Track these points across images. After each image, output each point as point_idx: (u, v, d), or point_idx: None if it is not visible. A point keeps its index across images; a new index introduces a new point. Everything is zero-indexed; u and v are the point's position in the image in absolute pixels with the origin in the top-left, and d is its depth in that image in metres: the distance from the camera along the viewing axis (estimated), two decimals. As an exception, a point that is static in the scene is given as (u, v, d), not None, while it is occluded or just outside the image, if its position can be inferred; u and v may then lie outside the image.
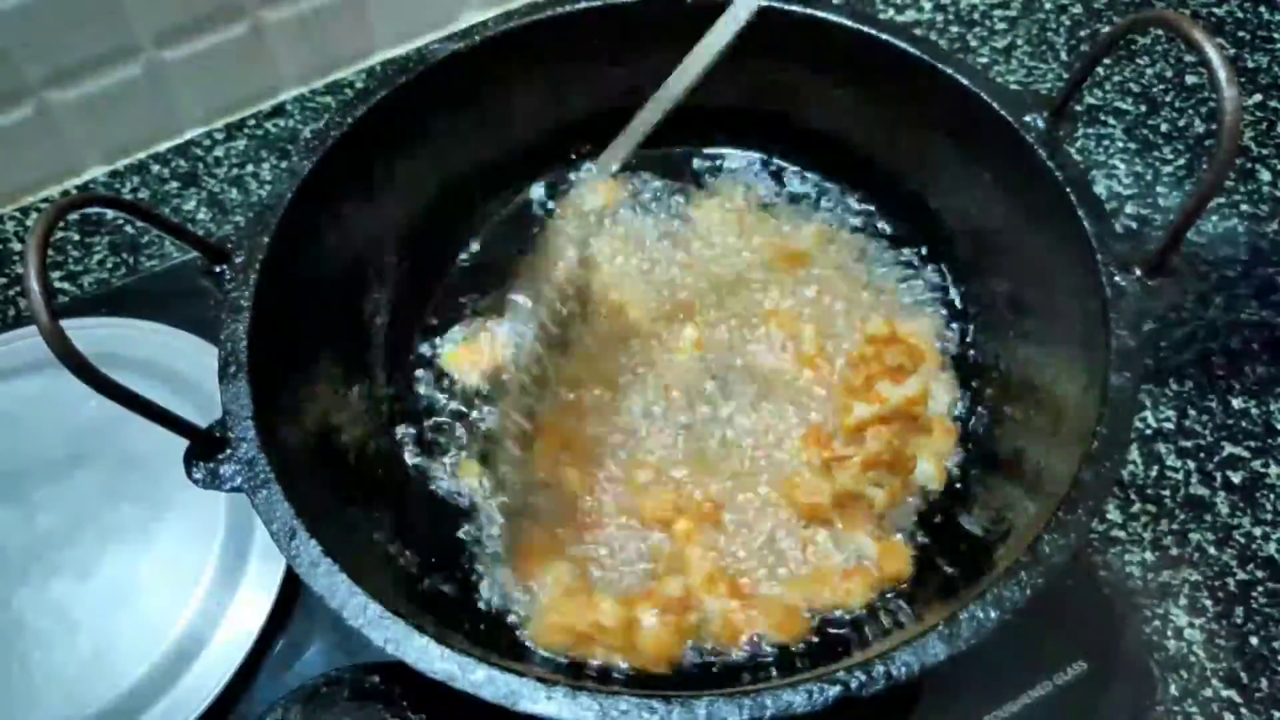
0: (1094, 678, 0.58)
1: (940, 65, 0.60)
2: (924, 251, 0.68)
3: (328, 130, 0.59)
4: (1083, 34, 0.93)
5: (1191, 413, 0.70)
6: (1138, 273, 0.50)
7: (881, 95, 0.65)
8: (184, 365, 0.69)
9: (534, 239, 0.68)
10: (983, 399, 0.62)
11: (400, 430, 0.63)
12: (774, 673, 0.53)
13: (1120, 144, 0.85)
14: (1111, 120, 0.87)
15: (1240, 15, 0.93)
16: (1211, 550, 0.65)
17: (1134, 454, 0.68)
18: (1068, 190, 0.54)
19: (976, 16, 0.95)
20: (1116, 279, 0.51)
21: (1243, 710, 0.59)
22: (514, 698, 0.41)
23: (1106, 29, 0.62)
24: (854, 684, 0.41)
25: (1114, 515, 0.66)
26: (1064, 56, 0.91)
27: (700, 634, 0.54)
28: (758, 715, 0.40)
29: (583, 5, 0.64)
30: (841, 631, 0.54)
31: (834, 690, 0.41)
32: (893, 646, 0.42)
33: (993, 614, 0.42)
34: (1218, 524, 0.66)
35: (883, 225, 0.70)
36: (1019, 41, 0.93)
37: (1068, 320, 0.55)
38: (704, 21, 0.65)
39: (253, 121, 0.88)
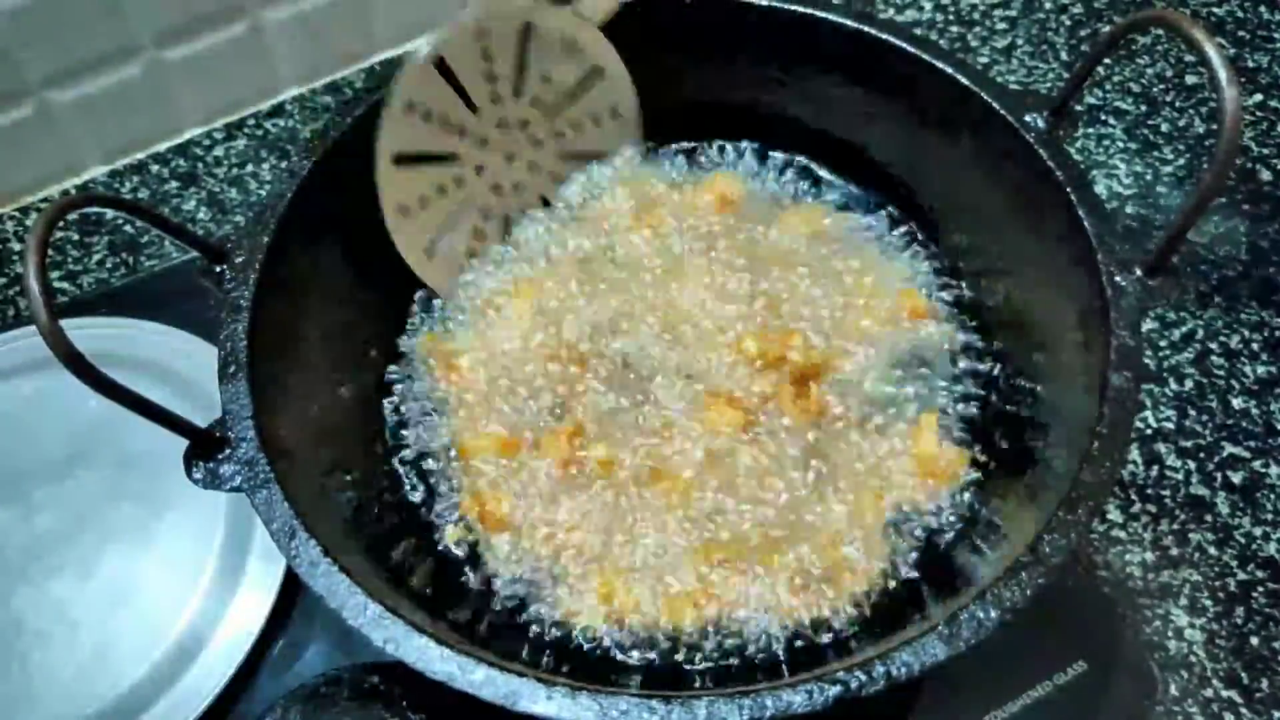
0: (1094, 678, 0.58)
1: (940, 65, 0.60)
2: (921, 252, 0.68)
3: (328, 130, 0.59)
4: (1083, 34, 0.93)
5: (1191, 413, 0.70)
6: (1138, 272, 0.50)
7: (881, 95, 0.65)
8: (184, 365, 0.69)
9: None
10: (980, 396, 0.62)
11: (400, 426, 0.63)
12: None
13: (1120, 144, 0.85)
14: (1111, 120, 0.87)
15: (1240, 15, 0.93)
16: (1212, 550, 0.65)
17: (1134, 454, 0.68)
18: (1068, 190, 0.54)
19: (976, 16, 0.95)
20: (1116, 279, 0.50)
21: (1243, 710, 0.59)
22: (514, 698, 0.41)
23: (1107, 29, 0.62)
24: (854, 684, 0.41)
25: (1114, 515, 0.66)
26: (1064, 56, 0.91)
27: None
28: (758, 715, 0.40)
29: (583, 5, 0.64)
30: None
31: (834, 690, 0.41)
32: (893, 647, 0.42)
33: (993, 614, 0.42)
34: (1218, 524, 0.66)
35: (878, 227, 0.70)
36: (1019, 41, 0.93)
37: (1067, 320, 0.55)
38: (703, 21, 0.65)
39: (253, 121, 0.88)
